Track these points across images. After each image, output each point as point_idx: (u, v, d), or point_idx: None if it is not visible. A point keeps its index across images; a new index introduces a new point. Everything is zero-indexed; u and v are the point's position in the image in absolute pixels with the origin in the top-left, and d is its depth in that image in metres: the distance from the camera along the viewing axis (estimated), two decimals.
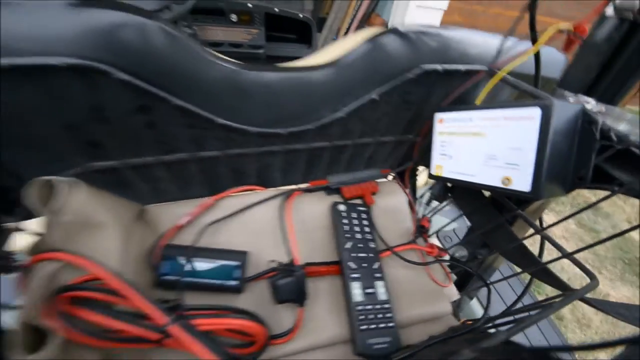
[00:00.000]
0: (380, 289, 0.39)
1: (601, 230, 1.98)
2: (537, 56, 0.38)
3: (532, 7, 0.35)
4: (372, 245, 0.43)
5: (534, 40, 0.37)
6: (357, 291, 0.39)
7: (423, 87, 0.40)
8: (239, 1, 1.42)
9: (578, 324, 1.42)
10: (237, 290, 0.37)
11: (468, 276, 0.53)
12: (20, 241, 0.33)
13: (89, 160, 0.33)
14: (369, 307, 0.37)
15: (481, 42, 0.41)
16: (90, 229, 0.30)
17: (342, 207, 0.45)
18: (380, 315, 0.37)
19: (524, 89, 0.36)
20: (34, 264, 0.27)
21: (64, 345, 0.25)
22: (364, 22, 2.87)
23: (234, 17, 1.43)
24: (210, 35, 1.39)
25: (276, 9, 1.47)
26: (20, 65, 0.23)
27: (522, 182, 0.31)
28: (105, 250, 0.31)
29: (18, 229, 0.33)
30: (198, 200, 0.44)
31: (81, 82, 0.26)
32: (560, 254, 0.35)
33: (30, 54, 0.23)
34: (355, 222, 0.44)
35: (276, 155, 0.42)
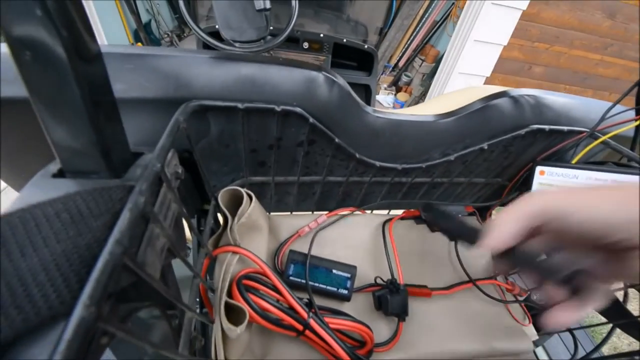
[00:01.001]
0: None
1: None
2: (638, 125, 0.42)
3: None
4: None
5: (638, 111, 0.41)
6: None
7: (526, 142, 0.45)
8: (311, 31, 1.56)
9: None
10: (346, 298, 0.43)
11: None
12: None
13: (251, 175, 0.41)
14: None
15: (581, 105, 0.45)
16: (253, 231, 0.39)
17: None
18: None
19: (627, 154, 0.40)
20: (220, 254, 0.35)
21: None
22: (418, 51, 2.94)
23: (305, 45, 1.57)
24: None
25: (344, 40, 1.59)
26: (250, 108, 0.32)
27: None
28: (259, 249, 0.39)
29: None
30: (307, 214, 0.51)
31: (282, 121, 0.34)
32: None
33: (256, 100, 0.32)
34: None
35: (384, 185, 0.48)
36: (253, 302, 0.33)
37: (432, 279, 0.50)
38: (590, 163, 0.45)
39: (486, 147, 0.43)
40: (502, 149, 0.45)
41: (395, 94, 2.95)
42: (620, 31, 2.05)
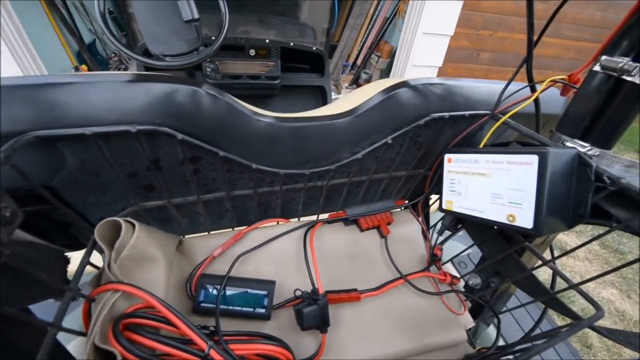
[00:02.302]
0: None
1: (627, 251, 1.91)
2: (536, 102, 0.42)
3: (529, 62, 0.39)
4: None
5: (532, 88, 0.42)
6: None
7: (432, 131, 0.44)
8: (257, 37, 1.54)
9: (608, 352, 1.36)
10: (265, 317, 0.41)
11: (482, 304, 0.54)
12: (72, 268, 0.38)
13: (142, 200, 0.38)
14: None
15: (484, 89, 0.45)
16: (143, 262, 0.35)
17: None
18: None
19: (525, 132, 0.40)
20: (98, 294, 0.32)
21: None
22: (373, 48, 2.98)
23: (252, 52, 1.54)
24: (231, 69, 1.50)
25: (291, 43, 1.58)
26: (102, 133, 0.29)
27: (525, 220, 0.35)
28: (154, 281, 0.36)
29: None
30: (228, 232, 0.48)
31: (147, 141, 0.31)
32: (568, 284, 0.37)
33: (111, 123, 0.29)
34: None
35: (299, 191, 0.46)
36: (132, 342, 0.29)
37: (365, 281, 0.49)
38: (496, 145, 0.45)
39: (390, 142, 0.42)
40: (410, 141, 0.44)
41: None
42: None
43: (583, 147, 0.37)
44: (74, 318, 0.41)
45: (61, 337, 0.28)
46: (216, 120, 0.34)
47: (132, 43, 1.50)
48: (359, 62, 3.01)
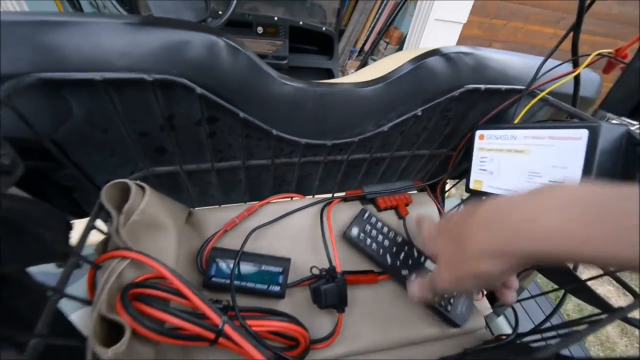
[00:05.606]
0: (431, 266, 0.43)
1: None
2: (576, 79, 0.39)
3: (575, 33, 0.36)
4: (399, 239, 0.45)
5: (575, 63, 0.38)
6: None
7: (463, 105, 0.41)
8: (265, 14, 1.48)
9: (602, 347, 1.37)
10: (280, 296, 0.38)
11: None
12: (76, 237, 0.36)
13: (152, 165, 0.35)
14: None
15: (520, 63, 0.42)
16: (153, 229, 0.33)
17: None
18: None
19: (566, 109, 0.37)
20: (105, 261, 0.29)
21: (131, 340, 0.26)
22: (382, 34, 2.91)
23: (260, 30, 1.48)
24: None
25: (300, 22, 1.52)
26: (114, 79, 0.26)
27: None
28: (164, 251, 0.33)
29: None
30: (239, 206, 0.46)
31: (162, 94, 0.28)
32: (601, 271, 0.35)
33: (124, 70, 0.26)
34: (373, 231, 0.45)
35: (317, 165, 0.44)
36: (141, 313, 0.27)
37: None
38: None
39: (420, 114, 0.39)
40: (439, 116, 0.42)
41: None
42: (571, 5, 2.10)
43: (632, 125, 0.34)
44: (75, 289, 0.38)
45: (63, 307, 0.25)
46: (237, 77, 0.31)
47: None
48: (366, 47, 2.94)
